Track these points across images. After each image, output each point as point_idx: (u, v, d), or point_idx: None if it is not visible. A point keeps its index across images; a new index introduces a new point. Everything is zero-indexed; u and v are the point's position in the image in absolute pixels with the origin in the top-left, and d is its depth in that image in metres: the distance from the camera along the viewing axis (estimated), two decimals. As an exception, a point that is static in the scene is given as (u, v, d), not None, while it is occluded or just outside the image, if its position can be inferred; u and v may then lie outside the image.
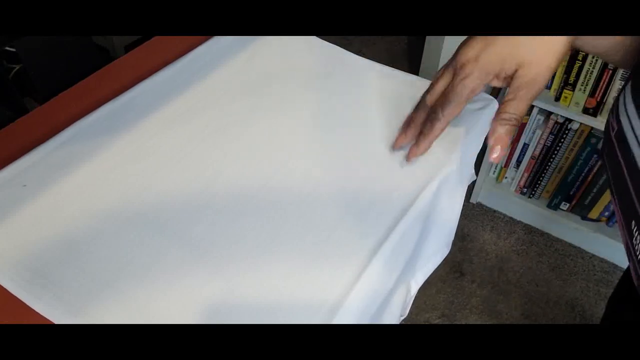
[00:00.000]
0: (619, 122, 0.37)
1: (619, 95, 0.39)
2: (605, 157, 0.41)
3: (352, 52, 0.63)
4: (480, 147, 0.56)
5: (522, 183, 1.45)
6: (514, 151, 1.40)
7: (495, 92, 1.21)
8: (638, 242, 0.36)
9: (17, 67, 0.66)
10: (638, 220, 0.36)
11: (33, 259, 0.41)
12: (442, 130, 0.48)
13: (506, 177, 1.49)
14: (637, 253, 0.37)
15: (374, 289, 0.42)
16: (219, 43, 0.63)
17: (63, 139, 0.50)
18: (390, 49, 2.00)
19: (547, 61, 0.44)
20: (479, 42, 0.45)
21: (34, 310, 0.38)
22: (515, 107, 0.45)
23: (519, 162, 1.42)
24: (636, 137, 0.35)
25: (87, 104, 0.54)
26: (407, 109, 0.53)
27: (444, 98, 0.47)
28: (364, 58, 0.62)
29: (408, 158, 0.50)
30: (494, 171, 1.49)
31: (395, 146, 0.52)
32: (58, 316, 0.38)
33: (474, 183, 1.50)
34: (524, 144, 1.38)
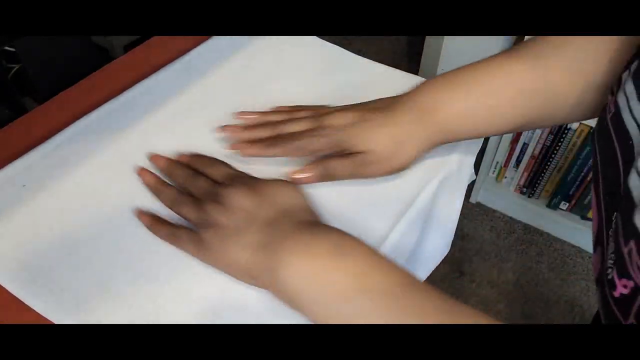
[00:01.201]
0: (616, 103, 0.36)
1: (621, 74, 0.38)
2: (596, 141, 0.39)
3: (352, 52, 0.63)
4: (480, 147, 0.56)
5: (521, 183, 1.45)
6: (514, 151, 1.41)
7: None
8: (619, 235, 0.33)
9: (17, 66, 0.66)
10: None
11: (33, 259, 0.41)
12: (264, 155, 0.47)
13: (506, 177, 1.49)
14: (608, 247, 0.35)
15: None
16: (219, 43, 0.63)
17: (63, 139, 0.50)
18: (390, 49, 2.00)
19: (390, 162, 0.46)
20: (352, 115, 0.46)
21: (34, 310, 0.38)
22: (342, 167, 0.46)
23: (518, 161, 1.42)
24: (635, 119, 0.33)
25: (86, 104, 0.54)
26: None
27: (290, 136, 0.47)
28: (364, 58, 0.62)
29: (233, 146, 0.48)
30: (494, 171, 1.49)
31: (227, 131, 0.50)
32: (58, 316, 0.38)
33: (473, 182, 1.50)
34: (524, 143, 1.38)
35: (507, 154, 1.43)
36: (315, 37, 0.65)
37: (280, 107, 0.53)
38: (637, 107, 0.33)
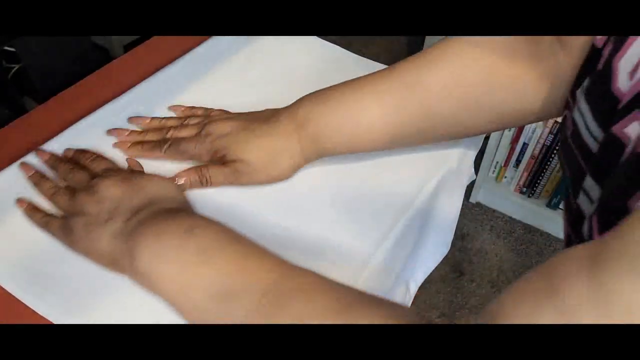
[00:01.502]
0: (573, 120, 0.36)
1: (574, 88, 0.37)
2: (563, 159, 0.39)
3: (352, 52, 0.63)
4: (479, 147, 0.56)
5: (521, 182, 1.45)
6: (514, 151, 1.40)
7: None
8: (573, 245, 0.34)
9: (17, 66, 0.66)
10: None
11: (33, 259, 0.41)
12: (146, 156, 0.48)
13: (505, 177, 1.49)
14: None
15: (373, 289, 0.42)
16: (218, 43, 0.63)
17: (63, 139, 0.50)
18: (390, 49, 2.00)
19: (266, 172, 0.46)
20: (233, 124, 0.47)
21: (34, 310, 0.38)
22: (218, 175, 0.46)
23: (518, 161, 1.42)
24: (593, 137, 0.33)
25: (86, 104, 0.54)
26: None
27: (174, 141, 0.48)
28: (364, 58, 0.62)
29: (117, 144, 0.49)
30: (494, 170, 1.49)
31: (115, 133, 0.51)
32: (58, 316, 0.38)
33: (473, 182, 1.50)
34: (524, 143, 1.38)
35: (507, 154, 1.43)
36: (315, 37, 0.65)
37: (177, 106, 0.54)
38: (592, 124, 0.33)
